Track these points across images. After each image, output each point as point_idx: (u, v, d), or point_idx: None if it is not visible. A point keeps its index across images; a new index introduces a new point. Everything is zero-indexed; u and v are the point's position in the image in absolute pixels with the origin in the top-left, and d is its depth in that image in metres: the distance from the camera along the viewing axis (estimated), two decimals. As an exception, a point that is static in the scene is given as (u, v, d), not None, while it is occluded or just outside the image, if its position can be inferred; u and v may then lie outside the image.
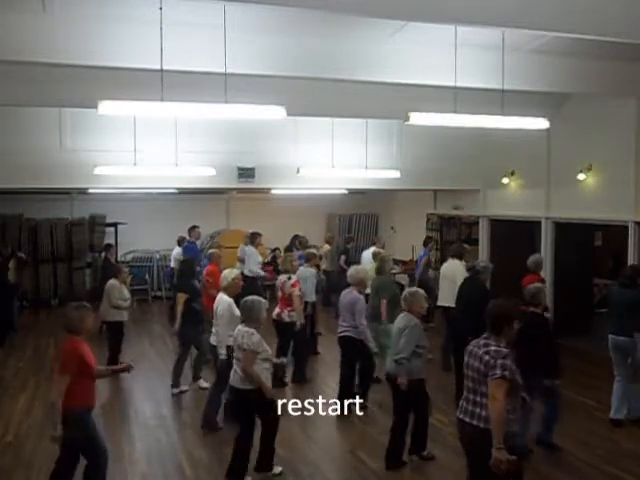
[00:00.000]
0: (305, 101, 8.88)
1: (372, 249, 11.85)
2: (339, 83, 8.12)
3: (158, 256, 16.34)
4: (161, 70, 5.92)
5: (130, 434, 7.35)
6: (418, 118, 6.91)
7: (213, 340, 7.29)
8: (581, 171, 10.58)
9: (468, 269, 8.92)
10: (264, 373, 5.84)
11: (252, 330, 5.85)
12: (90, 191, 13.48)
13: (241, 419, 6.01)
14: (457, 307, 8.47)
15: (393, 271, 14.14)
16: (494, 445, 4.19)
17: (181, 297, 8.66)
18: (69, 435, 5.08)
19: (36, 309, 14.72)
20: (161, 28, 5.84)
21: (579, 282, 11.67)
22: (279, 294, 9.01)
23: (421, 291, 6.53)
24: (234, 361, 6.02)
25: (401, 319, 6.41)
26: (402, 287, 10.48)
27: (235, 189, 14.78)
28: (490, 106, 7.58)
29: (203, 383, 8.83)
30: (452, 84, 6.96)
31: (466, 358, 4.59)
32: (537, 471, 6.24)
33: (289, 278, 8.88)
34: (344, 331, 7.79)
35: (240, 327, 6.01)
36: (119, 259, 15.35)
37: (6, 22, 6.01)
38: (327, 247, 14.75)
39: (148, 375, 9.65)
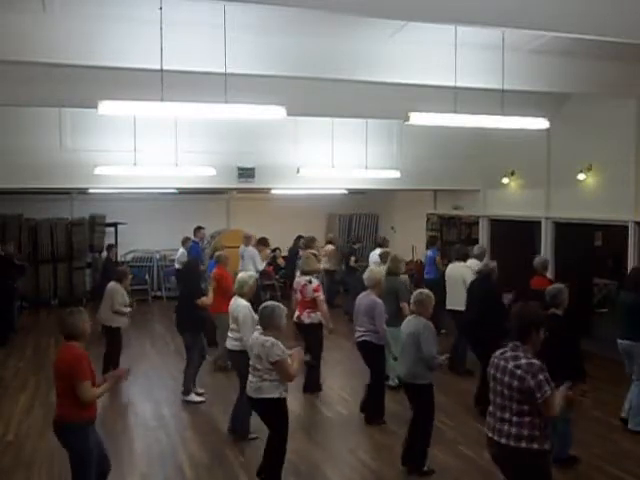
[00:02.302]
0: (305, 101, 8.88)
1: (378, 250, 11.58)
2: (339, 83, 8.12)
3: (158, 256, 16.34)
4: (161, 70, 5.92)
5: (130, 434, 7.35)
6: (418, 118, 6.91)
7: (233, 345, 7.00)
8: (581, 171, 10.58)
9: (478, 272, 8.68)
10: (283, 385, 5.67)
11: (273, 340, 5.59)
12: (90, 191, 13.49)
13: (270, 427, 5.84)
14: (470, 310, 8.32)
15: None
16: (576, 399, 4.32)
17: (205, 300, 8.47)
18: (70, 451, 4.87)
19: (36, 309, 14.71)
20: (161, 28, 5.85)
21: (579, 282, 11.67)
22: (298, 296, 8.69)
23: (431, 293, 6.40)
24: (250, 370, 5.77)
25: (411, 323, 6.23)
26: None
27: (235, 189, 14.79)
28: (490, 106, 7.58)
29: (195, 397, 8.38)
30: (452, 84, 6.96)
31: (492, 371, 4.34)
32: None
33: (310, 282, 8.56)
34: (362, 336, 7.47)
35: (257, 335, 5.75)
36: (119, 259, 15.34)
37: (6, 22, 6.01)
38: (330, 247, 14.74)
39: (148, 375, 9.66)
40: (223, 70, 6.14)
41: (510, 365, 4.18)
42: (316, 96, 8.86)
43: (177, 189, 13.73)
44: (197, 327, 8.37)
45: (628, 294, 7.32)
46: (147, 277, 16.17)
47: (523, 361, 4.15)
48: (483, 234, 13.47)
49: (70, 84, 7.91)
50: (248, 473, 6.21)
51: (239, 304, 6.99)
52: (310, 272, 8.76)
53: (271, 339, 5.59)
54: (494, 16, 5.23)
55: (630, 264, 9.84)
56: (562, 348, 5.89)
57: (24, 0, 6.04)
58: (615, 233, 10.69)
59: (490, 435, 4.32)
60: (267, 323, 5.67)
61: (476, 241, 13.49)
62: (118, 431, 7.35)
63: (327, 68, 7.18)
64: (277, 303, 5.87)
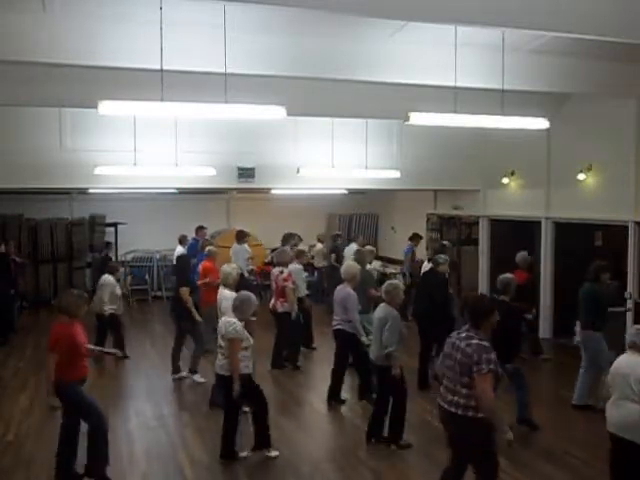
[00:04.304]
0: (305, 101, 8.88)
1: (353, 245, 12.71)
2: (339, 83, 8.12)
3: (158, 256, 16.33)
4: (161, 70, 5.92)
5: (130, 434, 7.34)
6: (418, 118, 6.92)
7: None
8: (581, 171, 10.57)
9: (428, 260, 9.60)
10: (244, 361, 6.22)
11: (234, 320, 6.21)
12: (90, 191, 13.48)
13: (225, 403, 6.44)
14: (420, 299, 9.24)
15: (393, 270, 14.29)
16: (502, 431, 4.66)
17: (185, 291, 8.98)
18: (67, 404, 5.78)
19: (36, 309, 14.70)
20: (161, 28, 5.85)
21: (579, 282, 11.65)
22: (273, 286, 9.73)
23: (401, 285, 6.96)
24: (218, 349, 6.37)
25: (382, 309, 6.77)
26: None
27: (235, 189, 14.79)
28: (490, 106, 7.58)
29: (199, 378, 9.03)
30: (452, 84, 6.96)
31: (448, 349, 4.88)
32: (537, 471, 6.25)
33: (281, 272, 9.52)
34: (337, 324, 8.00)
35: (224, 318, 6.43)
36: (119, 259, 15.36)
37: (6, 22, 6.01)
38: (319, 245, 14.97)
39: (148, 375, 9.66)
40: (223, 70, 6.14)
41: (463, 344, 4.73)
42: (316, 96, 8.86)
43: (177, 189, 13.72)
44: (188, 315, 8.99)
45: (586, 284, 7.96)
46: (147, 277, 16.17)
47: (474, 341, 4.69)
48: (483, 234, 13.46)
49: (70, 84, 7.91)
50: (248, 473, 6.23)
51: (225, 295, 7.57)
52: (280, 264, 9.74)
53: (235, 320, 6.20)
54: (494, 16, 5.23)
55: (630, 264, 9.85)
56: (507, 329, 6.60)
57: (24, 0, 6.04)
58: (615, 233, 10.68)
59: (442, 404, 4.85)
60: (236, 306, 6.32)
61: (476, 241, 13.52)
62: (118, 431, 7.34)
63: (327, 68, 7.18)
64: (252, 294, 6.51)
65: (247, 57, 6.73)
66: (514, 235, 12.50)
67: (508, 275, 7.46)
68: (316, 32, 6.80)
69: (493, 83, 7.27)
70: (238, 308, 6.31)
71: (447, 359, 4.86)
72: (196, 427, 7.48)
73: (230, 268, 7.94)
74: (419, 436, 7.00)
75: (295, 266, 10.08)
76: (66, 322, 5.86)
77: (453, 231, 14.71)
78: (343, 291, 7.99)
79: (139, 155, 10.53)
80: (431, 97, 8.00)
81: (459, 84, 6.99)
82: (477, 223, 13.68)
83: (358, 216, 18.24)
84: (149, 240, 15.85)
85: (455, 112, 7.06)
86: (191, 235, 13.05)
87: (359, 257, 9.25)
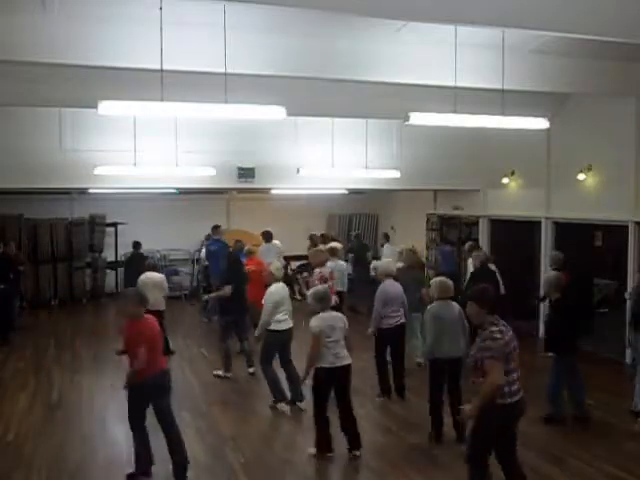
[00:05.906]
0: (305, 101, 8.88)
1: (388, 245, 13.37)
2: (339, 83, 8.12)
3: (158, 256, 16.32)
4: (161, 70, 5.92)
5: (130, 434, 7.32)
6: (418, 118, 6.92)
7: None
8: (581, 171, 10.57)
9: (481, 263, 9.73)
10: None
11: (341, 314, 6.71)
12: (90, 191, 13.48)
13: (348, 389, 6.69)
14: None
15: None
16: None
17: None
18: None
19: (36, 309, 14.71)
20: (161, 28, 5.85)
21: (579, 282, 11.66)
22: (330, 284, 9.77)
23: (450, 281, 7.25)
24: (332, 343, 6.46)
25: (454, 307, 6.99)
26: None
27: (235, 189, 14.78)
28: (490, 106, 7.58)
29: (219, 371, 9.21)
30: (452, 84, 6.96)
31: (515, 343, 5.07)
32: (536, 471, 6.24)
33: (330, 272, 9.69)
34: (401, 320, 8.18)
35: (330, 312, 6.63)
36: (119, 259, 15.37)
37: (6, 22, 6.01)
38: (336, 244, 14.95)
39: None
40: (223, 70, 6.14)
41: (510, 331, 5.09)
42: (316, 96, 8.86)
43: (177, 189, 13.72)
44: (242, 311, 9.45)
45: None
46: (147, 277, 16.14)
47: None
48: (483, 234, 13.46)
49: (70, 84, 7.91)
50: (248, 473, 6.22)
51: (285, 290, 8.21)
52: (317, 264, 9.73)
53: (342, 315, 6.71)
54: (494, 16, 5.23)
55: (630, 264, 9.84)
56: (563, 324, 7.25)
57: (24, 0, 6.04)
58: (615, 233, 10.68)
59: (523, 396, 5.03)
60: (327, 303, 6.65)
61: (476, 241, 13.51)
62: (118, 431, 7.34)
63: (327, 68, 7.19)
64: (326, 286, 7.11)
65: (247, 57, 6.73)
66: (514, 235, 12.50)
67: (557, 273, 7.78)
68: (316, 32, 6.80)
69: (493, 83, 7.26)
70: (322, 301, 6.58)
71: (514, 351, 5.03)
72: (196, 427, 7.48)
73: (277, 267, 8.47)
74: (421, 435, 7.00)
75: (338, 262, 10.46)
76: (136, 320, 6.00)
77: (453, 231, 14.71)
78: (397, 287, 8.22)
79: (139, 155, 10.52)
80: (431, 97, 7.99)
81: (459, 84, 6.99)
82: (477, 223, 13.68)
83: (358, 216, 18.24)
84: (149, 240, 15.80)
85: (455, 112, 7.06)
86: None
87: (406, 257, 9.55)
